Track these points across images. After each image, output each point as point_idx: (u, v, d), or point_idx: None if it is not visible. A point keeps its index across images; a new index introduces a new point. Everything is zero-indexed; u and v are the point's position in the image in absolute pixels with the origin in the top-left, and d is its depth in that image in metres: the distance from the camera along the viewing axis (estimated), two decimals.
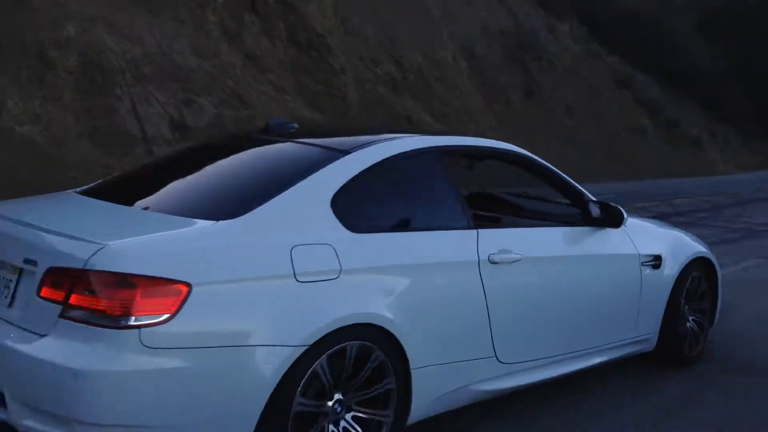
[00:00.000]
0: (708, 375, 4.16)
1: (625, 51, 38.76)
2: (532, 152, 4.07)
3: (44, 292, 2.39)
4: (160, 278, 2.30)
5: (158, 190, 3.16)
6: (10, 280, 2.58)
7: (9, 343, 2.41)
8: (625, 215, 3.85)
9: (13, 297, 2.55)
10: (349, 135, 3.57)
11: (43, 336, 2.35)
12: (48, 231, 2.58)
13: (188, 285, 2.31)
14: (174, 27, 14.03)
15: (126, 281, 2.28)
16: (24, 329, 2.44)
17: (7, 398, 2.39)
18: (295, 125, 3.50)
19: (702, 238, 8.69)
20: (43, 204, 3.22)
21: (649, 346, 4.10)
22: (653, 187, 20.37)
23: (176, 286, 2.30)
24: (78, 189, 3.39)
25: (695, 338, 4.27)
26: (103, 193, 3.19)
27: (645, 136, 31.31)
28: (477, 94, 22.80)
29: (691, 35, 44.31)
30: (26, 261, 2.49)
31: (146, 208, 2.94)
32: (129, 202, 3.00)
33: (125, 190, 3.30)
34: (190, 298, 2.31)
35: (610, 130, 29.40)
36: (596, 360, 3.79)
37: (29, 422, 2.33)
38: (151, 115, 12.69)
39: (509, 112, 23.94)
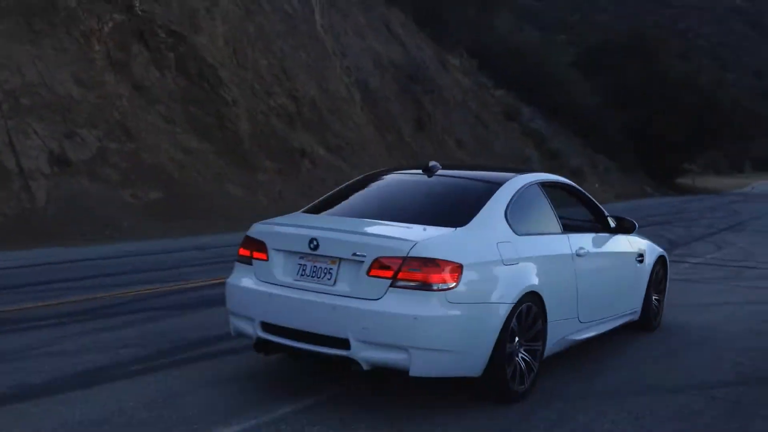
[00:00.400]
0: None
1: (512, 84, 40.53)
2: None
3: (373, 272, 3.73)
4: (450, 261, 3.73)
5: (382, 207, 4.61)
6: (331, 269, 3.91)
7: (353, 305, 3.74)
8: (635, 226, 5.61)
9: (336, 278, 3.87)
10: (488, 172, 5.15)
11: (378, 299, 3.70)
12: (356, 234, 3.99)
13: (461, 265, 3.75)
14: (56, 56, 13.53)
15: (435, 263, 3.69)
16: (357, 297, 3.75)
17: (352, 341, 3.68)
18: (440, 165, 4.80)
19: None
20: (314, 219, 4.50)
21: (636, 317, 5.79)
22: None
23: (457, 265, 3.73)
24: (303, 209, 4.95)
25: (657, 309, 6.15)
26: (327, 209, 4.71)
27: (530, 166, 32.70)
28: (370, 125, 23.18)
29: (571, 70, 46.88)
30: (354, 254, 3.81)
31: (392, 220, 4.22)
32: (369, 215, 4.41)
33: (352, 208, 4.69)
34: (463, 274, 3.73)
35: (498, 160, 30.54)
36: (618, 323, 5.46)
37: (368, 354, 3.68)
38: (29, 148, 12.13)
39: (401, 143, 24.46)
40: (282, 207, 16.09)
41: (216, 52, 17.31)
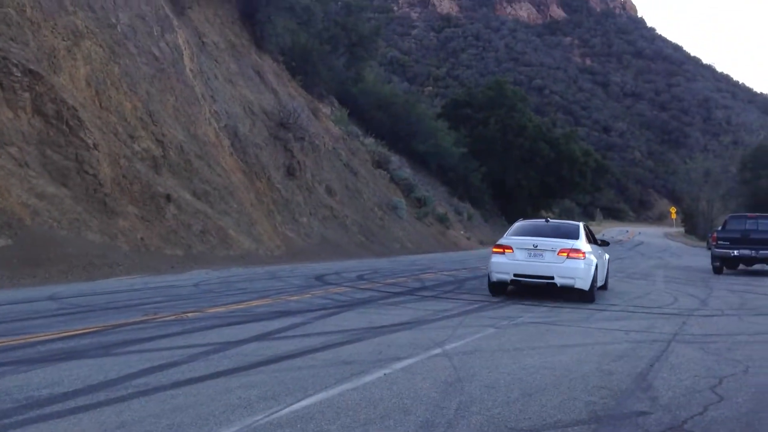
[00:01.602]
0: None
1: (381, 133, 41.57)
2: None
3: (559, 254, 11.75)
4: (582, 250, 11.93)
5: (541, 233, 12.73)
6: (543, 254, 11.87)
7: (553, 264, 11.78)
8: (609, 244, 15.73)
9: (545, 257, 11.86)
10: (569, 221, 14.91)
11: (562, 263, 11.74)
12: (548, 241, 12.15)
13: (585, 252, 12.00)
14: None
15: (579, 251, 11.84)
16: (554, 263, 11.77)
17: (555, 277, 11.74)
18: (549, 219, 15.56)
19: (445, 311, 9.83)
20: (523, 237, 12.45)
21: (605, 288, 14.19)
22: (406, 263, 21.75)
23: (584, 251, 11.99)
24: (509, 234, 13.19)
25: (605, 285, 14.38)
26: (519, 235, 12.79)
27: (398, 214, 33.41)
28: (238, 171, 22.89)
29: (437, 121, 48.75)
30: (552, 249, 11.90)
31: (551, 237, 12.43)
32: (541, 235, 12.54)
33: (530, 233, 12.82)
34: (586, 255, 11.96)
35: (367, 208, 31.00)
36: (603, 283, 14.06)
37: (560, 280, 11.74)
38: None
39: (271, 190, 24.30)
40: (145, 254, 15.48)
41: (77, 93, 16.59)
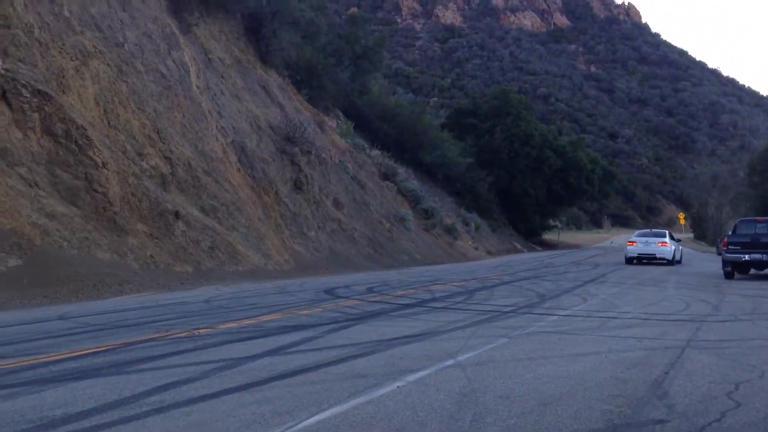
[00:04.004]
0: None
1: (388, 145, 41.62)
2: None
3: (659, 244, 29.97)
4: (670, 242, 30.36)
5: (646, 236, 31.51)
6: (653, 241, 30.20)
7: (659, 249, 29.63)
8: (681, 240, 38.59)
9: (649, 245, 30.00)
10: (661, 229, 41.16)
11: (664, 246, 29.56)
12: (651, 239, 30.76)
13: (668, 243, 30.25)
14: None
15: (664, 242, 30.14)
16: (656, 248, 29.61)
17: (657, 255, 29.56)
18: (652, 229, 43.31)
19: (455, 322, 9.63)
20: (637, 235, 32.10)
21: (680, 262, 30.85)
22: (415, 274, 21.72)
23: (670, 242, 30.26)
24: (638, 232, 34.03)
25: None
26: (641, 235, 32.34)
27: (406, 225, 33.41)
28: (246, 186, 22.96)
29: (443, 132, 48.78)
30: (654, 241, 30.45)
31: (652, 237, 31.54)
32: (646, 236, 31.51)
33: (638, 234, 32.67)
34: (675, 245, 30.59)
35: (375, 220, 31.00)
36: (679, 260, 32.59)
37: (659, 256, 29.55)
38: None
39: (278, 204, 24.35)
40: (155, 271, 15.52)
41: (86, 113, 16.70)
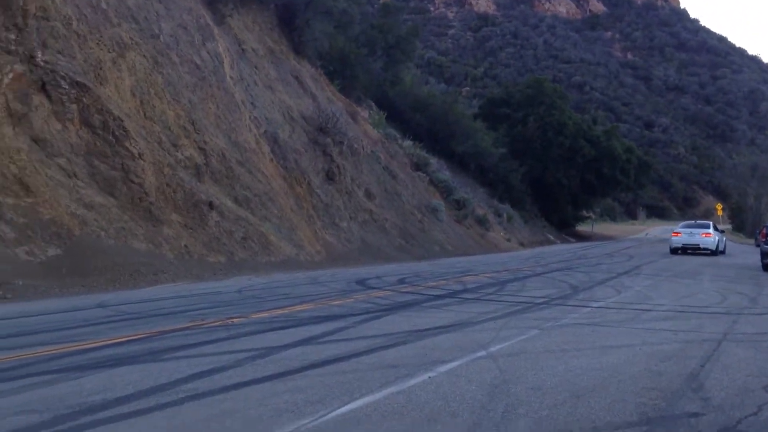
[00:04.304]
0: None
1: (420, 135, 41.51)
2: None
3: (702, 235, 30.63)
4: (714, 232, 31.43)
5: (691, 227, 32.07)
6: (696, 232, 30.76)
7: (702, 240, 30.27)
8: (724, 231, 37.40)
9: (693, 236, 30.76)
10: (706, 220, 40.49)
11: (707, 237, 30.24)
12: (697, 230, 31.37)
13: (712, 233, 31.47)
14: None
15: (708, 233, 30.84)
16: (700, 238, 30.41)
17: (701, 246, 30.28)
18: (696, 221, 39.11)
19: (487, 313, 9.62)
20: (683, 228, 32.56)
21: (723, 253, 32.05)
22: (446, 265, 21.69)
23: (713, 233, 31.40)
24: (683, 223, 35.39)
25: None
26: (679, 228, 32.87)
27: (438, 216, 33.33)
28: (279, 177, 23.12)
29: (475, 122, 48.44)
30: (698, 232, 31.13)
31: (698, 228, 32.22)
32: (693, 227, 31.99)
33: (686, 226, 32.99)
34: (720, 236, 32.03)
35: (406, 211, 30.99)
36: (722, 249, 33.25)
37: (703, 246, 30.29)
38: None
39: (311, 195, 24.47)
40: (189, 261, 15.74)
41: (122, 104, 16.95)
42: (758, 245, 24.05)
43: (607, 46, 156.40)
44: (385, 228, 27.81)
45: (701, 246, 30.15)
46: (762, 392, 5.66)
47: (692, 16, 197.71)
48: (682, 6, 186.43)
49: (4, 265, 11.78)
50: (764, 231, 21.15)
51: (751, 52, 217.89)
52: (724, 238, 33.42)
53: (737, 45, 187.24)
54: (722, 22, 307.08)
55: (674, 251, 30.52)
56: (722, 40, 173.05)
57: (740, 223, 68.61)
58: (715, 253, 29.90)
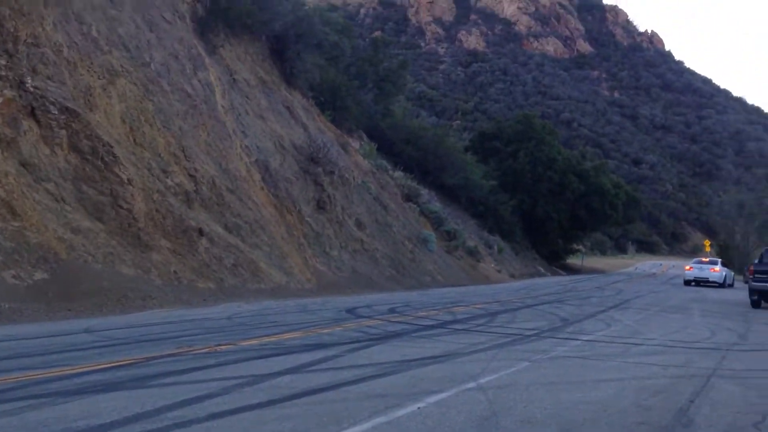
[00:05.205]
0: None
1: (410, 167, 41.68)
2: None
3: (711, 270, 36.04)
4: (722, 269, 37.75)
5: (701, 263, 37.57)
6: (706, 267, 36.21)
7: (710, 274, 35.94)
8: (731, 265, 43.38)
9: (703, 270, 36.14)
10: (715, 258, 43.21)
11: (716, 272, 36.33)
12: (704, 266, 36.83)
13: (722, 269, 37.30)
14: None
15: (716, 269, 37.30)
16: (710, 273, 35.98)
17: (710, 279, 35.79)
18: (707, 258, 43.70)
19: (477, 344, 9.55)
20: (692, 263, 38.52)
21: (732, 286, 36.95)
22: (437, 296, 21.62)
23: (721, 268, 37.26)
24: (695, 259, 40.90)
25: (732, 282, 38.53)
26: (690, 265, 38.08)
27: (429, 247, 33.31)
28: (270, 205, 23.09)
29: (466, 154, 48.75)
30: (708, 266, 36.88)
31: (706, 264, 37.73)
32: (702, 264, 37.47)
33: (695, 263, 38.23)
34: (725, 271, 37.40)
35: (397, 241, 30.98)
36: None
37: (712, 280, 35.37)
38: None
39: (301, 223, 24.44)
40: (178, 287, 15.61)
41: (112, 130, 16.95)
42: (746, 282, 24.18)
43: (595, 85, 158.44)
44: (376, 258, 27.76)
45: (710, 279, 35.55)
46: (752, 429, 5.65)
47: (677, 57, 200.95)
48: (667, 48, 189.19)
49: None
50: (752, 268, 21.27)
51: (735, 93, 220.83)
52: (732, 274, 38.59)
53: (722, 86, 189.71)
54: (707, 65, 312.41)
55: (687, 283, 35.66)
56: (707, 81, 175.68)
57: (728, 259, 68.91)
58: (722, 285, 35.17)
